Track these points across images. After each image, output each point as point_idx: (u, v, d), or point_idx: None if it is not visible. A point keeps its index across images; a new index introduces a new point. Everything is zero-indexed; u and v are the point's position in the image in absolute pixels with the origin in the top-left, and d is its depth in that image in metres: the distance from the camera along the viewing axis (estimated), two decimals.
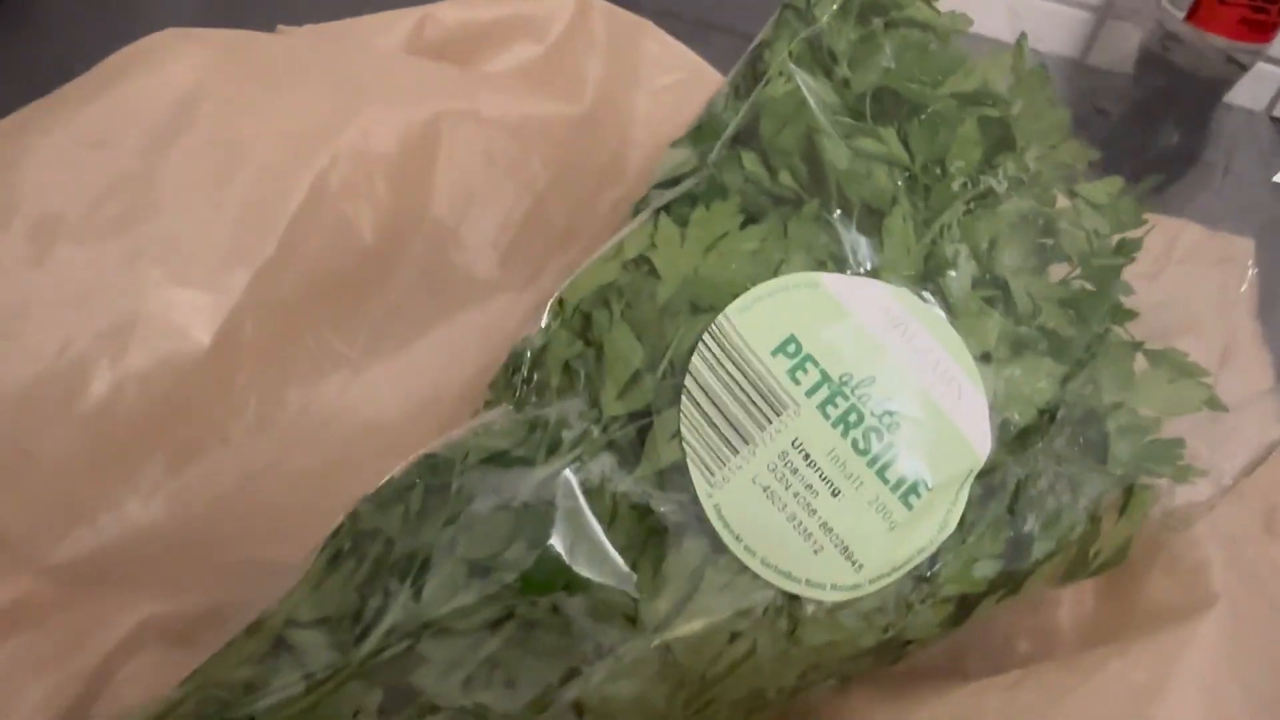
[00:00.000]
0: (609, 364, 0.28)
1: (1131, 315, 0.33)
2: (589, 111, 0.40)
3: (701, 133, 0.33)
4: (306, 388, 0.32)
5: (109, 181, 0.30)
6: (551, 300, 0.29)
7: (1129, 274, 0.33)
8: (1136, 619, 0.31)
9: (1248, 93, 0.72)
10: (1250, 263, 0.37)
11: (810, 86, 0.31)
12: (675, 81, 0.44)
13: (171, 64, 0.32)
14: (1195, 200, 0.40)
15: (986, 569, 0.29)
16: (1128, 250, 0.33)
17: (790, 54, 0.31)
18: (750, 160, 0.30)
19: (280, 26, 0.40)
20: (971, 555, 0.29)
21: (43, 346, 0.28)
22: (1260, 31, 0.62)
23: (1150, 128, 0.37)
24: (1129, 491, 0.31)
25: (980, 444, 0.29)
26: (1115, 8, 0.70)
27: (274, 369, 0.31)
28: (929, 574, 0.28)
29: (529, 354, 0.29)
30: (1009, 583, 0.30)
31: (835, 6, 0.32)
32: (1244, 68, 0.64)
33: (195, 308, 0.30)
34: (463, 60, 0.41)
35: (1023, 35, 0.33)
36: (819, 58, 0.32)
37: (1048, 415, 0.30)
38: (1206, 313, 0.38)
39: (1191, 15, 0.60)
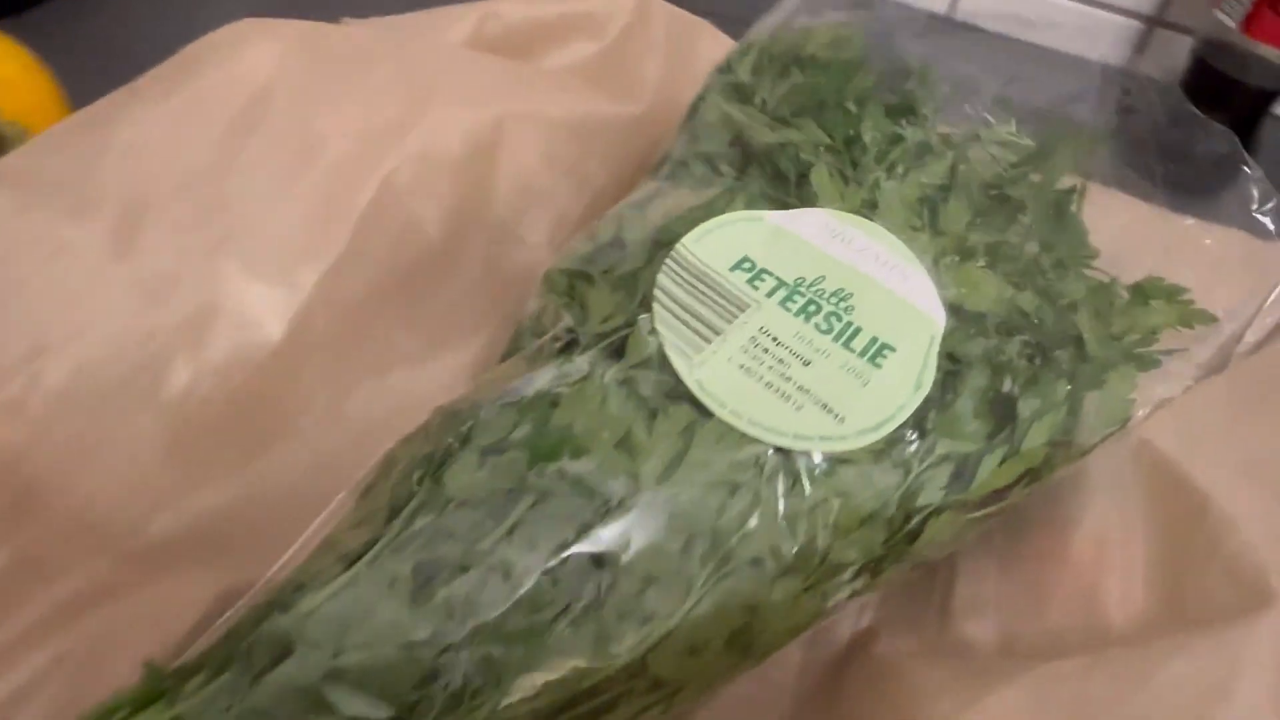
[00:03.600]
0: (592, 306, 0.32)
1: (1094, 253, 0.37)
2: (647, 111, 0.41)
3: (657, 168, 0.39)
4: (373, 381, 0.34)
5: (188, 172, 0.32)
6: (539, 281, 0.34)
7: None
8: (1193, 617, 0.31)
9: None
10: None
11: (735, 109, 0.38)
12: None
13: (248, 56, 0.34)
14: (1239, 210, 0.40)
15: (974, 425, 0.31)
16: (1069, 197, 0.37)
17: (719, 93, 0.39)
18: (696, 165, 0.37)
19: (344, 19, 0.41)
20: (956, 413, 0.31)
21: (127, 337, 0.30)
22: None
23: (1197, 137, 0.40)
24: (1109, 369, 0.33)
25: (935, 314, 0.32)
26: (1167, 16, 0.70)
27: (342, 363, 0.33)
28: (918, 435, 0.30)
29: (527, 321, 0.34)
30: (1004, 442, 0.31)
31: (750, 64, 0.40)
32: None
33: (269, 302, 0.31)
34: (522, 56, 0.42)
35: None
36: (741, 94, 0.39)
37: (1006, 306, 0.33)
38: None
39: (1245, 25, 0.60)
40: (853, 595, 0.31)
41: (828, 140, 0.36)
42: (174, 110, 0.33)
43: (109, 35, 0.57)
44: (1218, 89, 0.61)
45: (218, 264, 0.31)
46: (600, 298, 0.33)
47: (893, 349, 0.31)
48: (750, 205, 0.34)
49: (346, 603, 0.26)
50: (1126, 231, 0.38)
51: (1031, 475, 0.32)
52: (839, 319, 0.31)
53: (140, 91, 0.34)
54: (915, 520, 0.30)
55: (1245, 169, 0.39)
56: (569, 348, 0.31)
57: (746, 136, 0.36)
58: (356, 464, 0.33)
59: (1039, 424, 0.31)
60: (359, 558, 0.27)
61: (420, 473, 0.28)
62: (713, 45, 0.47)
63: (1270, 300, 0.38)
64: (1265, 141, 0.63)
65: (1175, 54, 0.66)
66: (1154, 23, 0.71)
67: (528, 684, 0.26)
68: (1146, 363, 0.34)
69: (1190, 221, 0.39)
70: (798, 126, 0.37)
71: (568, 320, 0.32)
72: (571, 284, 0.34)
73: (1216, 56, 0.62)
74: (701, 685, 0.30)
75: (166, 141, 0.33)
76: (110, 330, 0.30)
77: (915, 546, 0.31)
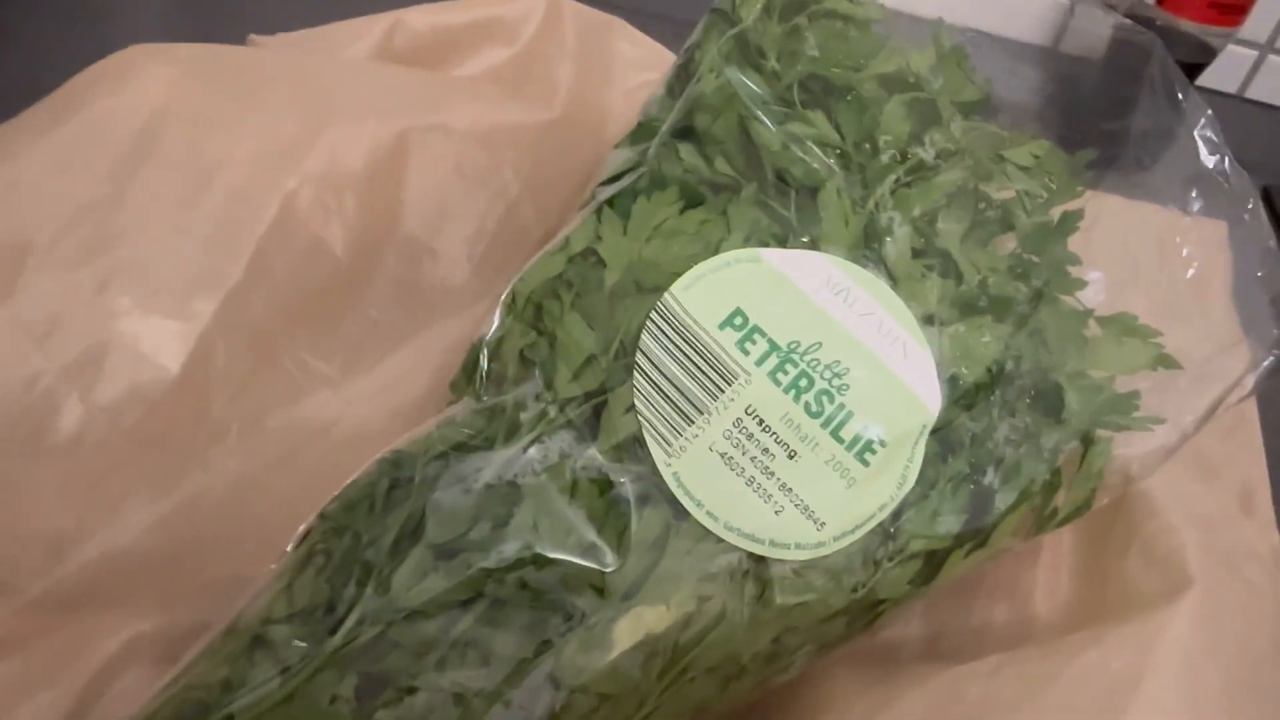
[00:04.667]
0: (561, 350, 0.29)
1: (1080, 284, 0.34)
2: (561, 115, 0.40)
3: (639, 133, 0.34)
4: (287, 408, 0.33)
5: (76, 207, 0.30)
6: (504, 295, 0.30)
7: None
8: (1112, 605, 0.31)
9: (1219, 77, 0.73)
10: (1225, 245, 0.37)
11: (740, 80, 0.32)
12: (648, 80, 0.43)
13: (138, 84, 0.32)
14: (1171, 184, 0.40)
15: (950, 523, 0.29)
16: (1070, 221, 0.34)
17: (719, 52, 0.33)
18: (687, 151, 0.32)
19: (252, 36, 0.40)
20: (934, 509, 0.29)
21: (10, 382, 0.28)
22: (1230, 15, 0.63)
23: (1124, 113, 0.37)
24: (1087, 444, 0.32)
25: (930, 399, 0.29)
26: None
27: (252, 392, 0.32)
28: (893, 530, 0.29)
29: (485, 349, 0.30)
30: (975, 536, 0.30)
31: (759, 6, 0.34)
32: (1215, 51, 0.65)
33: (163, 336, 0.30)
34: (434, 65, 0.41)
35: (940, 20, 0.34)
36: (747, 54, 0.33)
37: (997, 370, 0.31)
38: (1180, 294, 0.37)
39: (1163, 0, 0.61)
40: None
41: (839, 140, 0.32)
42: (58, 143, 0.31)
43: (14, 69, 0.54)
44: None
45: (108, 300, 0.30)
46: (572, 337, 0.29)
47: (883, 444, 0.28)
48: (749, 231, 0.30)
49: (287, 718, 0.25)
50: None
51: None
52: (831, 400, 0.28)
53: (22, 126, 0.32)
54: (875, 610, 0.30)
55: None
56: (537, 421, 0.28)
57: (753, 133, 0.31)
58: (276, 494, 0.32)
59: (1011, 518, 0.30)
60: (297, 673, 0.25)
61: (365, 571, 0.26)
62: (627, 44, 0.46)
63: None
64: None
65: (1097, 33, 0.65)
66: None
67: None
68: (1123, 424, 0.33)
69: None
70: (807, 119, 0.32)
71: (534, 385, 0.28)
72: (539, 311, 0.30)
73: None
74: None
75: (50, 176, 0.30)
76: None
77: (871, 628, 0.31)
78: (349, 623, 0.25)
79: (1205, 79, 0.69)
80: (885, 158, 0.32)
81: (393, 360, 0.36)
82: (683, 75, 0.34)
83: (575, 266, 0.30)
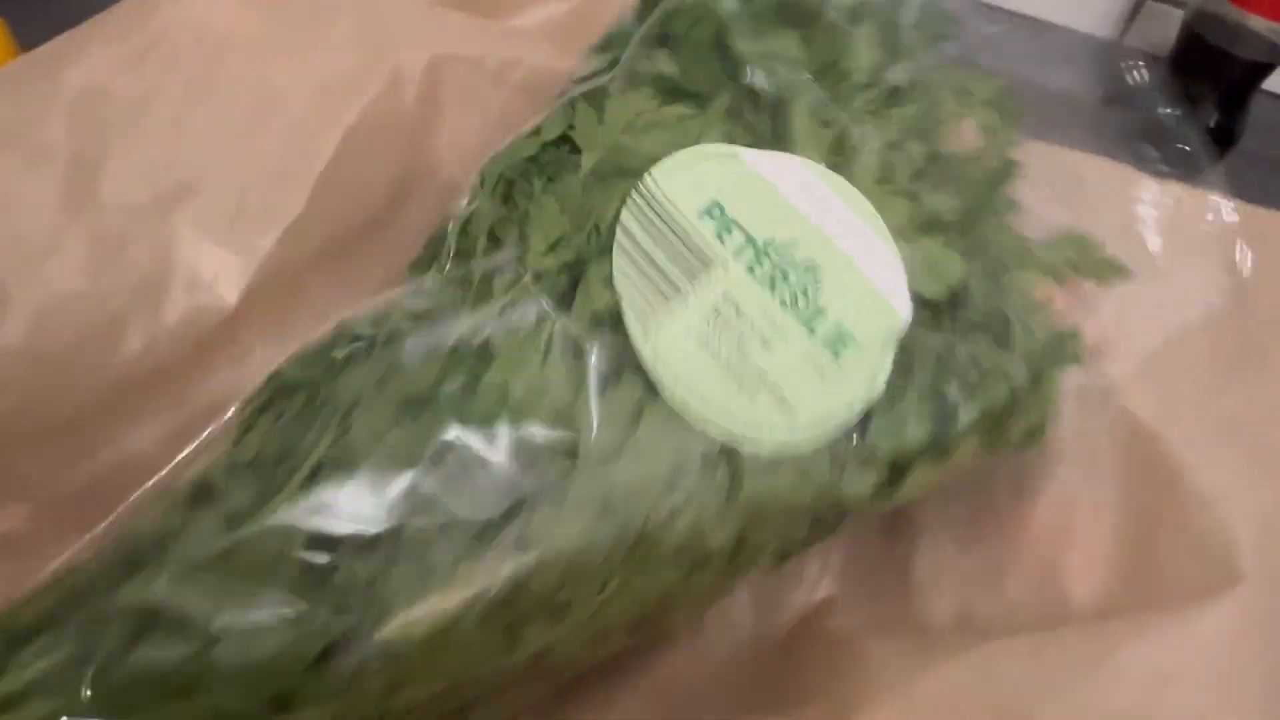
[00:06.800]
0: (535, 224, 0.28)
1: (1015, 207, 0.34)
2: None
3: (610, 41, 0.34)
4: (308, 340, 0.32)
5: (140, 124, 0.30)
6: (472, 176, 0.30)
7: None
8: (1157, 595, 0.30)
9: None
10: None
11: None
12: None
13: (203, 7, 0.32)
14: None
15: (917, 431, 0.29)
16: (1006, 170, 0.35)
17: None
18: (662, 59, 0.32)
19: None
20: (901, 417, 0.29)
21: (88, 295, 0.29)
22: None
23: (1187, 110, 0.37)
24: (1037, 376, 0.33)
25: (900, 307, 0.29)
26: None
27: (281, 324, 0.32)
28: (862, 434, 0.29)
29: (452, 226, 0.29)
30: (938, 448, 0.30)
31: None
32: None
33: (224, 266, 0.30)
34: (489, 13, 0.41)
35: None
36: None
37: (960, 291, 0.31)
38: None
39: None
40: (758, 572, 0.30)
41: (807, 61, 0.32)
42: (126, 55, 0.31)
43: None
44: (1207, 61, 0.59)
45: (173, 224, 0.30)
46: (545, 217, 0.28)
47: (855, 341, 0.28)
48: (725, 128, 0.30)
49: (223, 573, 0.23)
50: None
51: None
52: (805, 297, 0.28)
53: (89, 33, 0.31)
54: (839, 512, 0.30)
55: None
56: (511, 285, 0.27)
57: (729, 43, 0.31)
58: None
59: (972, 434, 0.31)
60: (242, 522, 0.23)
61: (323, 420, 0.24)
62: None
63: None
64: (1255, 115, 0.62)
65: (1166, 26, 0.64)
66: None
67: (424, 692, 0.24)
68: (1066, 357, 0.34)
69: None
70: (783, 39, 0.32)
71: (507, 255, 0.27)
72: (510, 189, 0.29)
73: (1207, 28, 0.60)
74: (594, 660, 0.28)
75: (118, 89, 0.31)
76: (68, 289, 0.29)
77: (834, 534, 0.30)
78: (303, 472, 0.23)
79: (1272, 82, 0.65)
80: (852, 81, 0.32)
81: None
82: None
83: (548, 152, 0.30)
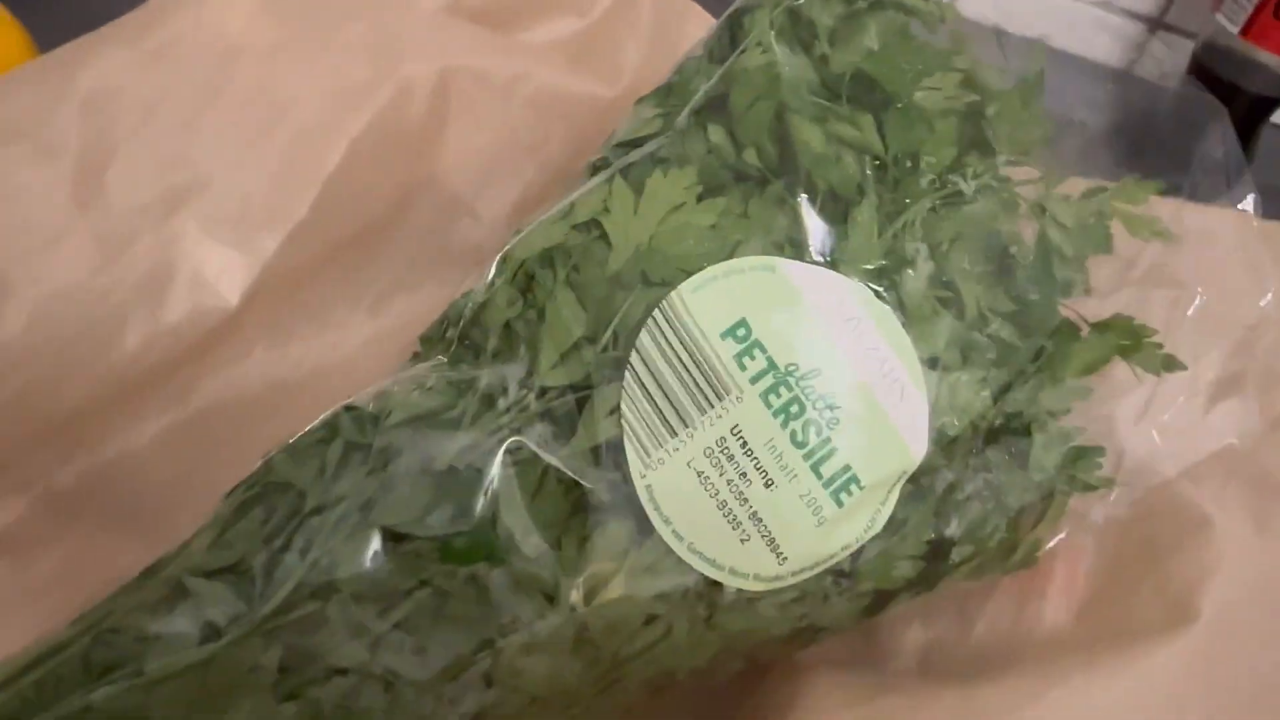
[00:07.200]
0: (549, 329, 0.27)
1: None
2: (621, 95, 0.39)
3: (669, 93, 0.31)
4: (306, 342, 0.34)
5: (151, 124, 0.31)
6: (499, 254, 0.28)
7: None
8: (1112, 633, 0.30)
9: None
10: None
11: (788, 61, 0.30)
12: None
13: (217, 12, 0.32)
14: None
15: (906, 569, 0.29)
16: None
17: (771, 24, 0.30)
18: (716, 133, 0.29)
19: None
20: (894, 555, 0.29)
21: (89, 291, 0.29)
22: None
23: (1195, 142, 0.35)
24: (1048, 499, 0.32)
25: (916, 447, 0.28)
26: (1167, 18, 0.69)
27: (281, 326, 0.33)
28: (849, 570, 0.28)
29: (468, 309, 0.28)
30: (925, 581, 0.30)
31: None
32: None
33: (227, 266, 0.30)
34: (503, 27, 0.40)
35: (1041, 40, 0.32)
36: (799, 31, 0.30)
37: (983, 424, 0.30)
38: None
39: (1245, 30, 0.58)
40: None
41: (881, 151, 0.30)
42: (139, 58, 0.31)
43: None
44: (1216, 94, 0.57)
45: (177, 224, 0.30)
46: (562, 317, 0.27)
47: (861, 486, 0.28)
48: (769, 235, 0.28)
49: (197, 684, 0.23)
50: None
51: None
52: (819, 432, 0.27)
53: (106, 36, 0.32)
54: (817, 635, 0.30)
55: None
56: (513, 406, 0.26)
57: (791, 127, 0.29)
58: (285, 423, 0.31)
59: (963, 567, 0.30)
60: (219, 635, 0.23)
61: (306, 537, 0.24)
62: (701, 30, 0.42)
63: None
64: (1263, 149, 0.61)
65: (1175, 57, 0.65)
66: (1155, 24, 0.69)
67: None
68: (1085, 482, 0.33)
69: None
70: (855, 122, 0.29)
71: (516, 369, 0.26)
72: (530, 282, 0.27)
73: (1216, 61, 0.60)
74: None
75: (130, 90, 0.31)
76: (70, 282, 0.29)
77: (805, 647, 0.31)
78: (283, 592, 0.24)
79: None
80: (924, 181, 0.30)
81: (413, 311, 0.35)
82: (726, 40, 0.31)
83: (577, 236, 0.28)
